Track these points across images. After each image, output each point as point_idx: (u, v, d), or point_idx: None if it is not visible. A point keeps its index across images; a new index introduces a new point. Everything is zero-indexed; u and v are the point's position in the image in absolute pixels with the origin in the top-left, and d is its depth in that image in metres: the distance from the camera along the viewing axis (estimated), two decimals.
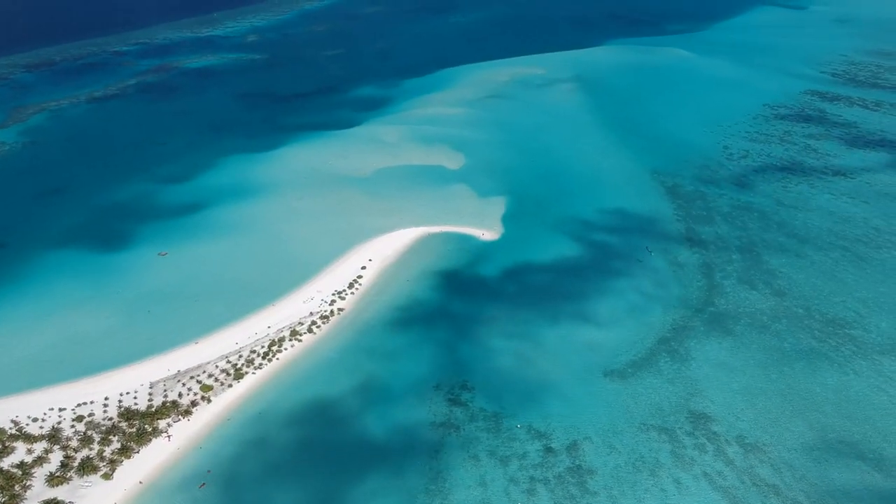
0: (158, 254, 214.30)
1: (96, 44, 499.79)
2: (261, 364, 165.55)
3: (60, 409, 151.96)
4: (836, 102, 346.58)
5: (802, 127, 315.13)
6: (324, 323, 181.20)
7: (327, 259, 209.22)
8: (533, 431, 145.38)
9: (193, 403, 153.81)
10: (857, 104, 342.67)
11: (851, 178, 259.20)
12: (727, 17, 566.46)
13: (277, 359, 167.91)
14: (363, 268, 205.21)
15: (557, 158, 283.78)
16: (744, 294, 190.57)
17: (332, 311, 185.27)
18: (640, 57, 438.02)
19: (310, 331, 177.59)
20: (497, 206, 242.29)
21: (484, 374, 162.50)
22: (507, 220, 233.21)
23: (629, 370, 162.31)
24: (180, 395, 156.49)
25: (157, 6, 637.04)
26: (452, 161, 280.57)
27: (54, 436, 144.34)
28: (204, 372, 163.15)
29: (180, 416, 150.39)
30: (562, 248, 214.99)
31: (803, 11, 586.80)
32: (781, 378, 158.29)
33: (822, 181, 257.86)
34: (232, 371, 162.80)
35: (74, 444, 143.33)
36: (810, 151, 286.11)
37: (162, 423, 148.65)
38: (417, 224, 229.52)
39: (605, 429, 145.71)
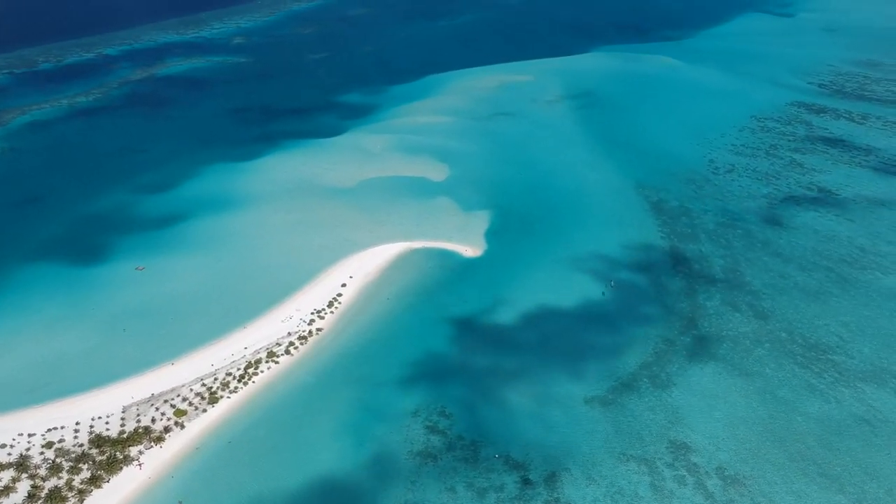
0: (136, 268, 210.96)
1: (80, 45, 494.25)
2: (236, 388, 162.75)
3: (30, 435, 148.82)
4: (822, 115, 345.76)
5: (789, 140, 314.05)
6: (301, 344, 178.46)
7: (308, 276, 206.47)
8: (511, 462, 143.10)
9: (166, 429, 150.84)
10: (844, 117, 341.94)
11: (836, 195, 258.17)
12: (715, 24, 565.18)
13: (253, 382, 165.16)
14: (343, 285, 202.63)
15: (542, 171, 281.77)
16: (727, 316, 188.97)
17: (310, 332, 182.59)
18: (627, 65, 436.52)
19: (287, 352, 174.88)
20: (481, 221, 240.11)
21: (463, 400, 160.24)
22: (490, 235, 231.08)
23: (610, 396, 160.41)
24: (153, 420, 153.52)
25: (142, 6, 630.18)
26: (437, 173, 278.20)
27: (22, 464, 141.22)
28: (178, 395, 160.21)
29: (153, 443, 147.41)
30: (543, 266, 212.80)
31: (792, 19, 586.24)
32: (763, 406, 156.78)
33: (808, 198, 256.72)
34: (206, 395, 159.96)
35: (43, 472, 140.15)
36: (796, 166, 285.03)
37: (134, 451, 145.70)
38: (400, 239, 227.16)
39: (584, 459, 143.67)
